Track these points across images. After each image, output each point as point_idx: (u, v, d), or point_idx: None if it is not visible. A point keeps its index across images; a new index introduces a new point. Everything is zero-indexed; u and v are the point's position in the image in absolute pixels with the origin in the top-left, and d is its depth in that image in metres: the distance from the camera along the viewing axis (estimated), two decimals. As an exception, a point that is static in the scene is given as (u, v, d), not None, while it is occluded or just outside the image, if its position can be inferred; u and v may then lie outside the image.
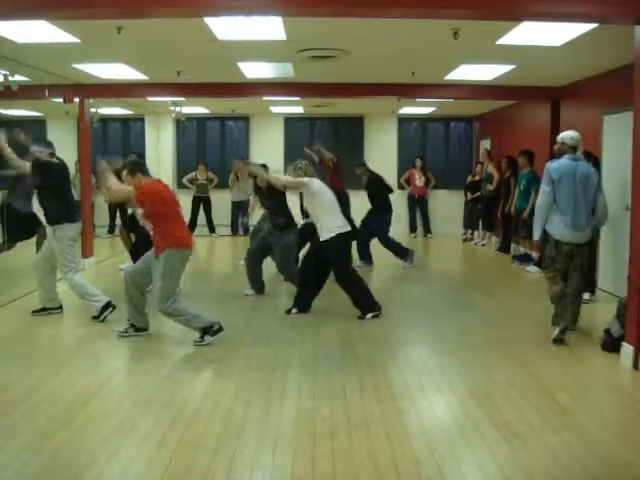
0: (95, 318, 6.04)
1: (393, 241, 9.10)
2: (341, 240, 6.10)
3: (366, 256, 9.17)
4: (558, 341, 5.33)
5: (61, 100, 8.65)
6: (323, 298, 6.57)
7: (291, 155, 13.30)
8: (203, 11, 4.69)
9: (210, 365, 4.89)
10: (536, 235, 5.48)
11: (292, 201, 7.63)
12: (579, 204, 5.28)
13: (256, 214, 9.80)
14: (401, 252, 9.11)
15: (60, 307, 6.37)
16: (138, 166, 5.43)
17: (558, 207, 5.31)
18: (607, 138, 7.38)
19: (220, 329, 5.31)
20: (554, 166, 5.37)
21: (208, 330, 5.27)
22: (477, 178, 12.21)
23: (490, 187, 11.35)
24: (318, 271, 6.37)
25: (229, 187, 12.89)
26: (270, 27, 5.51)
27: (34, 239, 7.83)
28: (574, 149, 5.41)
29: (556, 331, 5.35)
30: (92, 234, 9.84)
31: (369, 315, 6.16)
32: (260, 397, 4.13)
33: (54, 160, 6.14)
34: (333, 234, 6.04)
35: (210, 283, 8.57)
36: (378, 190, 9.16)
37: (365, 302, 6.23)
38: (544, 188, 5.37)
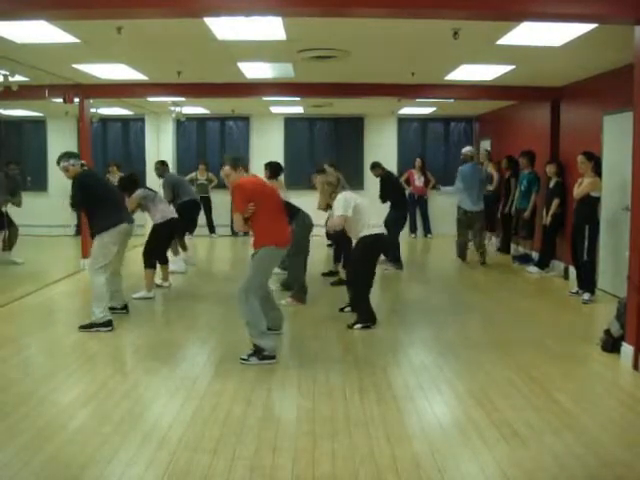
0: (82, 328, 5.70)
1: (397, 246, 9.14)
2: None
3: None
4: (460, 260, 9.74)
5: (61, 100, 8.64)
6: (323, 298, 6.56)
7: (291, 155, 13.40)
8: (203, 11, 4.70)
9: (210, 365, 4.89)
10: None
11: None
12: (475, 189, 9.45)
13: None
14: (395, 259, 9.13)
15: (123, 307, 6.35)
16: (240, 161, 5.36)
17: (466, 191, 9.40)
18: (607, 138, 7.37)
19: (272, 357, 4.86)
20: (466, 169, 9.56)
21: (260, 351, 4.85)
22: (477, 178, 12.18)
23: (490, 187, 11.34)
24: None
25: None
26: (270, 27, 5.50)
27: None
28: (472, 157, 10.11)
29: (460, 261, 9.71)
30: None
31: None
32: (260, 397, 4.13)
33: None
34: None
35: (211, 283, 8.56)
36: (394, 186, 9.37)
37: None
38: (458, 183, 9.50)
